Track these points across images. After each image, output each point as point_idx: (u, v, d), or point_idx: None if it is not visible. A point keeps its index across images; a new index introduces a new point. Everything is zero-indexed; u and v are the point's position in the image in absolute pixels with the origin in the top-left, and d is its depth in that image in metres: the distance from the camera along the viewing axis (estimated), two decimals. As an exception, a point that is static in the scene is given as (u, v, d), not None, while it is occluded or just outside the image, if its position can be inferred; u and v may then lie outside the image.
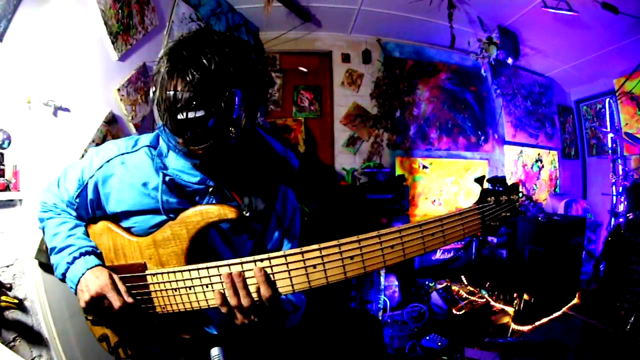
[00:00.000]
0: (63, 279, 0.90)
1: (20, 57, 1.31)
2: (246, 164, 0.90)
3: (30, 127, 1.36)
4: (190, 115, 0.69)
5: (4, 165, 1.29)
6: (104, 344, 0.96)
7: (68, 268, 0.88)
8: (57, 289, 1.43)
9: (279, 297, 0.75)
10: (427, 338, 2.31)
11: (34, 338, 1.35)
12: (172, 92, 0.70)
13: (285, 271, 0.73)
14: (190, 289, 0.80)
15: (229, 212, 0.80)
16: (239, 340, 0.91)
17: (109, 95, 1.80)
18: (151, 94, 0.75)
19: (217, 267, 0.77)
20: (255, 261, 0.74)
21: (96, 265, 0.87)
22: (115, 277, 0.86)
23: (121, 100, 1.85)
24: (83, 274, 0.86)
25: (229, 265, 0.75)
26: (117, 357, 0.95)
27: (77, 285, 0.87)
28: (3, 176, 1.28)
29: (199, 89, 0.69)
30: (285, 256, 0.72)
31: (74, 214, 0.96)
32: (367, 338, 1.03)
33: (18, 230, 1.33)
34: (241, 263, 0.75)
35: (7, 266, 1.31)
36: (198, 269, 0.78)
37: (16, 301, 1.25)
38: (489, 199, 0.76)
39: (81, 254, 0.88)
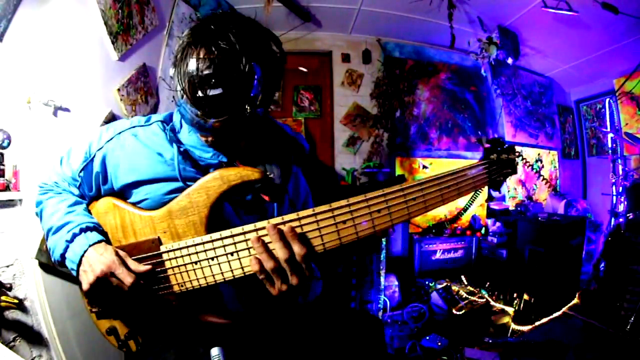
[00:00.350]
0: (62, 260, 0.83)
1: (20, 57, 1.31)
2: (259, 143, 0.91)
3: (30, 127, 1.36)
4: (211, 91, 0.71)
5: (4, 165, 1.29)
6: (112, 337, 0.87)
7: (67, 247, 0.81)
8: (57, 289, 1.43)
9: (313, 254, 0.72)
10: (427, 338, 2.31)
11: (34, 338, 1.35)
12: (194, 60, 0.71)
13: (316, 229, 0.71)
14: (212, 260, 0.75)
15: (251, 173, 0.77)
16: (243, 336, 0.90)
17: (109, 95, 1.80)
18: (172, 70, 0.76)
19: (243, 233, 0.73)
20: (284, 222, 0.71)
21: (99, 242, 0.81)
22: (121, 252, 0.80)
23: (121, 100, 1.86)
24: (85, 251, 0.79)
25: (256, 229, 0.72)
26: (128, 350, 0.87)
27: (78, 265, 0.80)
28: (3, 176, 1.28)
29: (223, 60, 0.71)
30: (315, 214, 0.70)
31: (77, 192, 0.92)
32: (369, 338, 1.03)
33: (18, 230, 1.33)
34: (270, 225, 0.71)
35: (7, 266, 1.31)
36: (222, 238, 0.74)
37: (16, 301, 1.25)
38: (491, 156, 0.85)
39: (82, 230, 0.81)
